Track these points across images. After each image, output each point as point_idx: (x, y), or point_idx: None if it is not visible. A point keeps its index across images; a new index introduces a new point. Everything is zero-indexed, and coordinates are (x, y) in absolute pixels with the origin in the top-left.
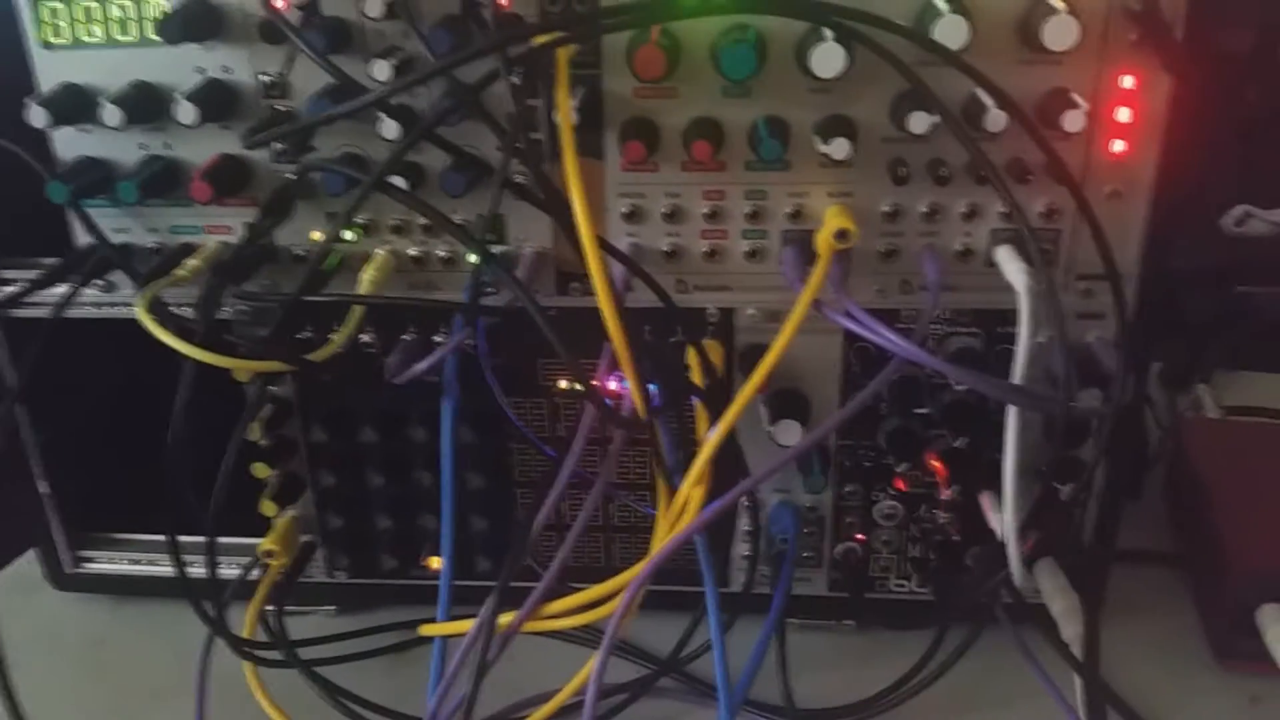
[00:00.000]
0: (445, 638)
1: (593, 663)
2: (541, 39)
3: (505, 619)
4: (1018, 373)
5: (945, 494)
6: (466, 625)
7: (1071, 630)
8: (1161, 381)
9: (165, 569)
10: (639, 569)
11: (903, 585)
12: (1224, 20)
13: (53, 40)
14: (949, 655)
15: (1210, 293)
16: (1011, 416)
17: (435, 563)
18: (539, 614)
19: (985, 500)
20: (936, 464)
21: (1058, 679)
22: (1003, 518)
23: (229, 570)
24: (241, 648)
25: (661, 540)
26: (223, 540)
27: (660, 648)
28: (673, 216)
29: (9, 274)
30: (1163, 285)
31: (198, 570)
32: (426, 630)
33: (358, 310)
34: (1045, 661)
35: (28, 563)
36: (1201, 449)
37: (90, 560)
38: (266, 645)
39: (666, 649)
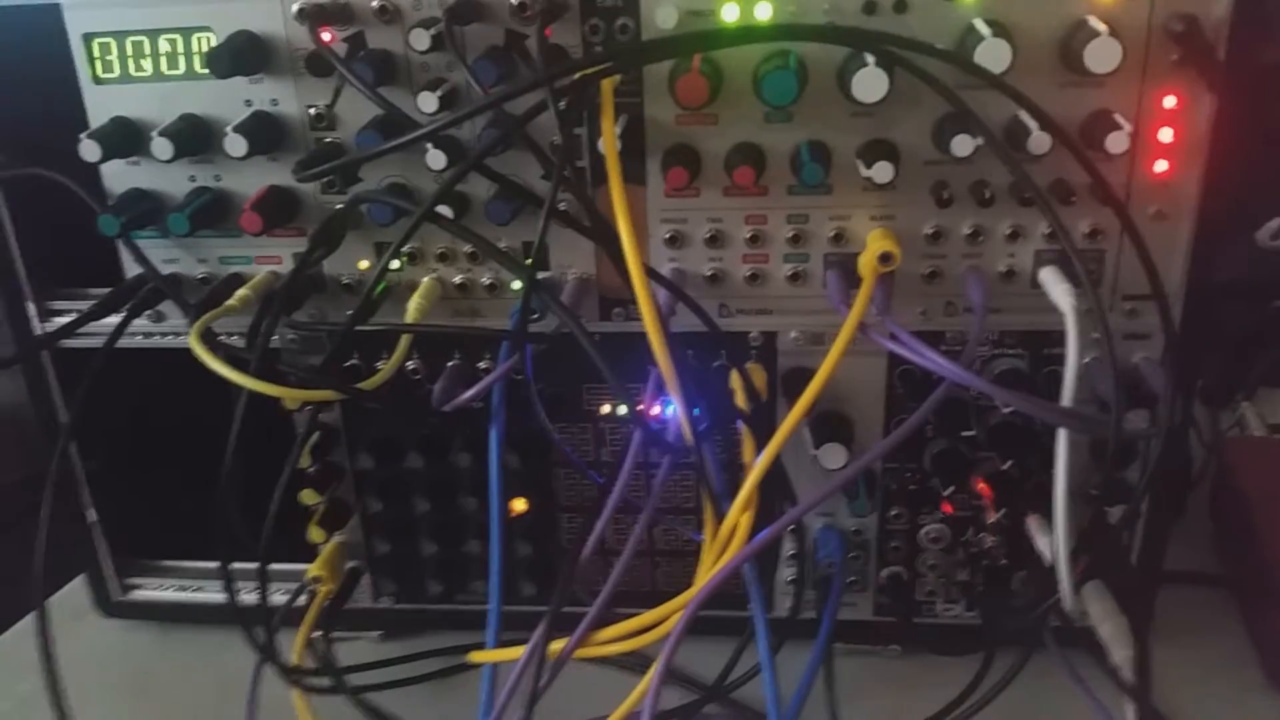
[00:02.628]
0: (495, 665)
1: (645, 688)
2: (587, 71)
3: (555, 646)
4: (1066, 395)
5: (992, 517)
6: (517, 652)
7: (1121, 654)
8: (1203, 399)
9: (212, 596)
10: (691, 595)
11: (950, 609)
12: (1267, 37)
13: (103, 75)
14: (998, 680)
15: (1248, 307)
16: (1061, 439)
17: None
18: (590, 640)
19: (1032, 523)
20: (983, 487)
21: (1108, 704)
22: (1052, 541)
23: (276, 596)
24: (291, 675)
25: (709, 566)
26: (271, 567)
27: (701, 673)
28: (715, 241)
29: (60, 305)
30: (1203, 301)
31: (246, 597)
32: (476, 657)
33: (405, 338)
34: (1095, 686)
35: (76, 589)
36: (1247, 468)
37: (138, 587)
38: (315, 672)
39: (707, 674)
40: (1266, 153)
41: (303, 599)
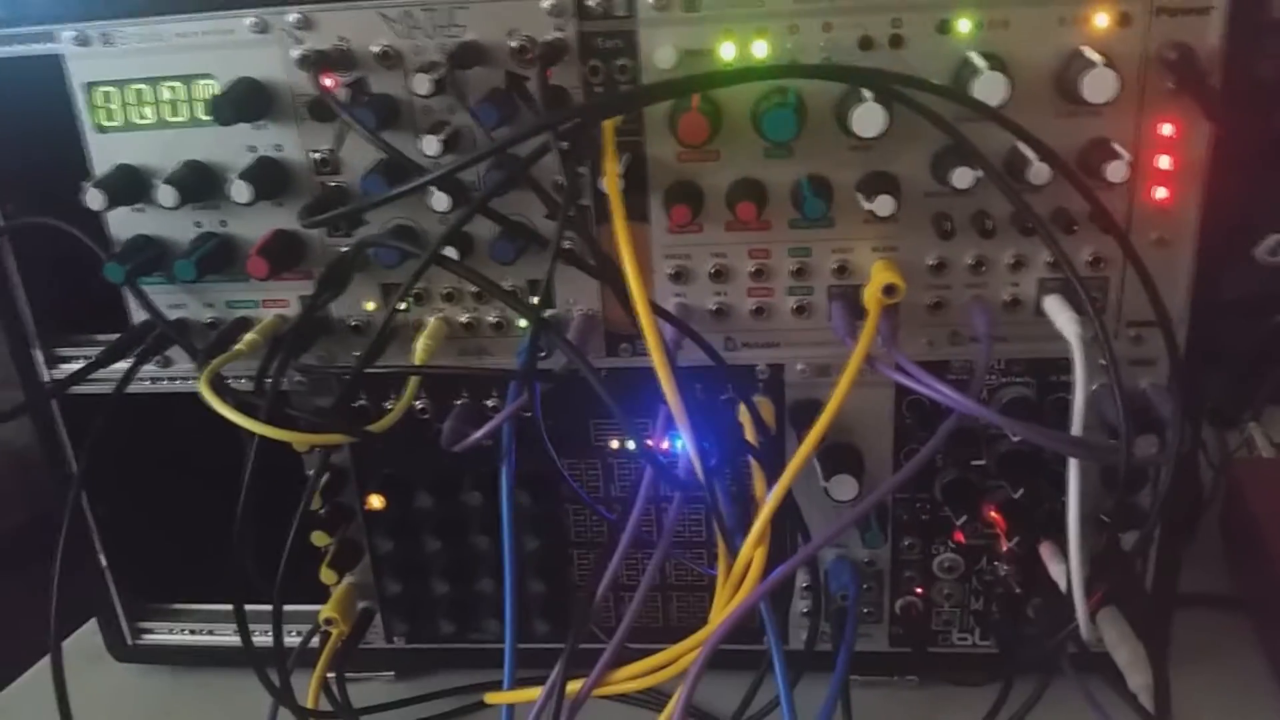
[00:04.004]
0: (511, 706)
1: None
2: (588, 114)
3: (572, 685)
4: (1075, 423)
5: (1005, 546)
6: (533, 694)
7: (1139, 680)
8: (1211, 420)
9: (225, 639)
10: (707, 634)
11: (965, 639)
12: (1260, 64)
13: (106, 124)
14: (1016, 709)
15: (1250, 325)
16: (1072, 467)
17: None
18: (608, 679)
19: (1046, 550)
20: (995, 515)
21: None
22: (1067, 568)
23: (289, 638)
24: (306, 717)
25: (723, 601)
26: (283, 608)
27: (716, 706)
28: (719, 276)
29: (67, 352)
30: (1208, 324)
31: (259, 639)
32: (493, 699)
33: (414, 379)
34: (1114, 712)
35: (88, 633)
36: (1257, 489)
37: (150, 631)
38: (330, 714)
39: (723, 708)
40: (1263, 173)
41: (315, 640)
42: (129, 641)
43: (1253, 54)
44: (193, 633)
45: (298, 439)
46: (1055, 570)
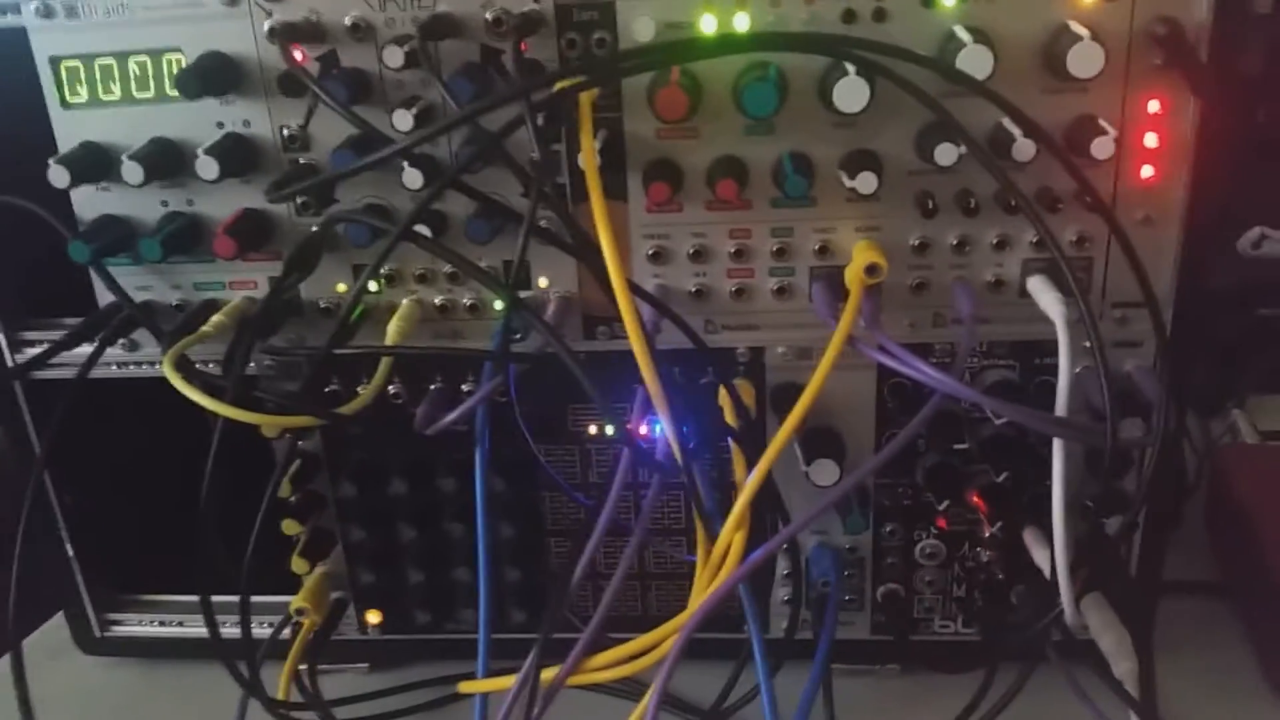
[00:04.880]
0: (486, 695)
1: (641, 715)
2: (563, 84)
3: (547, 674)
4: (1060, 404)
5: (988, 531)
6: (507, 682)
7: (1124, 666)
8: (1195, 408)
9: (195, 630)
10: (685, 619)
11: (948, 626)
12: (1248, 41)
13: (71, 99)
14: (1000, 697)
15: (1232, 317)
16: (1057, 450)
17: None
18: (582, 667)
19: (1029, 536)
20: (978, 500)
21: (1112, 716)
22: (1052, 554)
23: (260, 629)
24: (277, 710)
25: (703, 587)
26: (253, 599)
27: (696, 696)
28: (699, 256)
29: (32, 335)
30: (1193, 307)
31: (229, 630)
32: (466, 688)
33: (385, 361)
34: (1098, 699)
35: (56, 627)
36: (1242, 476)
37: (118, 623)
38: (301, 706)
39: (702, 697)
40: (1246, 166)
41: (287, 632)
42: (97, 634)
43: (1241, 30)
44: (163, 624)
45: (262, 421)
46: (1039, 556)
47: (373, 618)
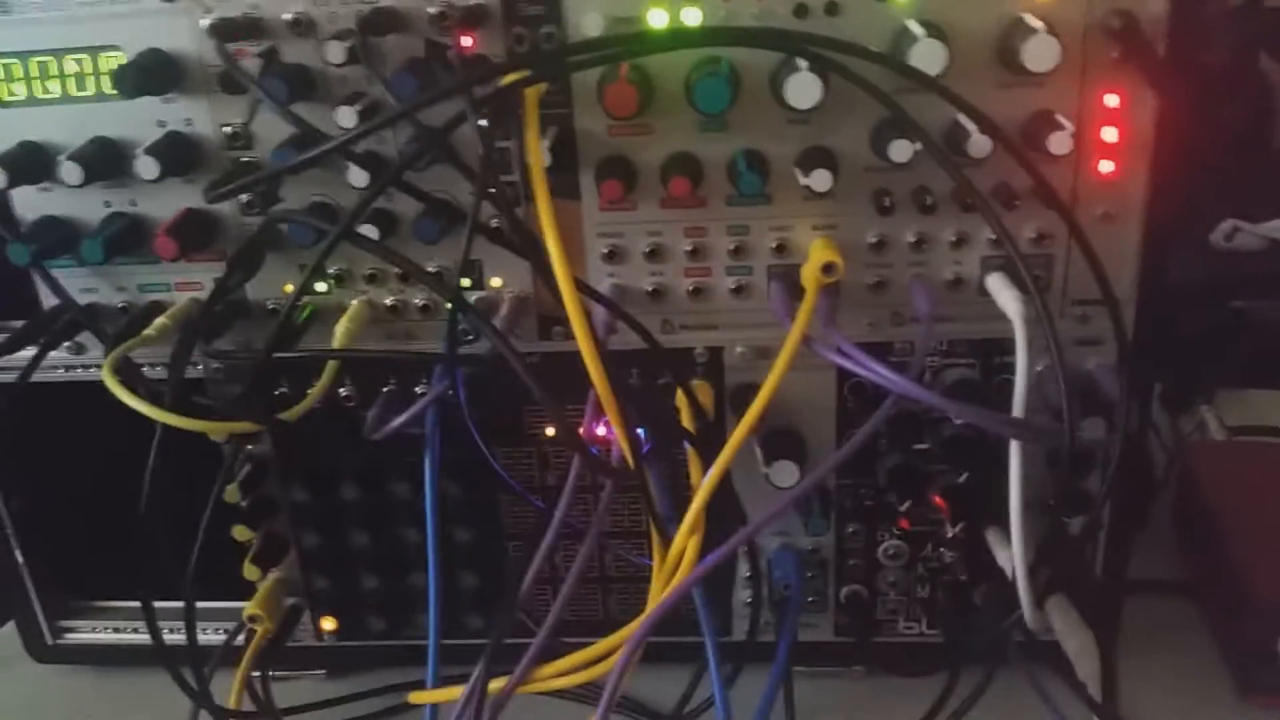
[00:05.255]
0: (437, 705)
1: None
2: (508, 78)
3: (499, 683)
4: (1018, 404)
5: (950, 532)
6: (457, 692)
7: (1087, 668)
8: (1163, 404)
9: (149, 638)
10: (635, 626)
11: (912, 628)
12: (1205, 34)
13: (8, 98)
14: (963, 699)
15: (1204, 309)
16: (1014, 451)
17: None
18: (534, 675)
19: (992, 536)
20: (939, 501)
21: (1077, 719)
22: (1012, 555)
23: (214, 636)
24: (226, 718)
25: (659, 592)
26: (207, 605)
27: (662, 702)
28: (654, 255)
29: None
30: (1157, 304)
31: (180, 638)
32: (415, 698)
33: (332, 364)
34: (1062, 701)
35: (6, 635)
36: (1210, 474)
37: (71, 630)
38: (253, 715)
39: (668, 703)
40: (1216, 160)
41: (240, 639)
42: (49, 641)
43: (1198, 23)
44: (116, 631)
45: (202, 427)
46: (1002, 557)
47: (328, 624)
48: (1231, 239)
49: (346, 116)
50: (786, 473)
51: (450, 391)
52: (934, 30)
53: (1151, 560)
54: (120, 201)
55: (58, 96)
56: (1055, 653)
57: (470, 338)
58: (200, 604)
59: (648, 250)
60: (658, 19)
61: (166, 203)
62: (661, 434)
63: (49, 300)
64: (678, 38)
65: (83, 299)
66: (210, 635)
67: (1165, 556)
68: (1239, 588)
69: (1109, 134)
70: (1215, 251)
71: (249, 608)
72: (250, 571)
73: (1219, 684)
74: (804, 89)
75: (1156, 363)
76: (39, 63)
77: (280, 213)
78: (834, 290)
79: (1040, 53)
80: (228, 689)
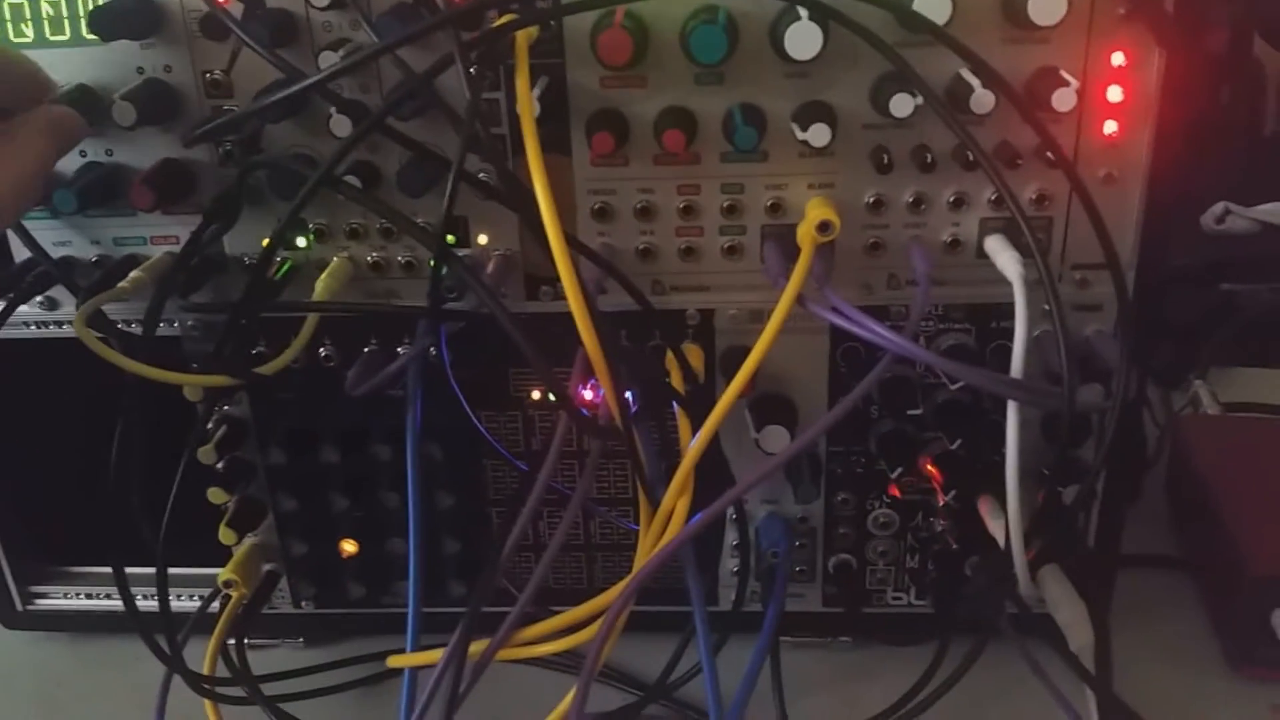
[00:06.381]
0: (416, 669)
1: (574, 693)
2: (499, 20)
3: (479, 645)
4: (1016, 368)
5: (942, 500)
6: (436, 655)
7: (1081, 640)
8: (1156, 379)
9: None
10: (619, 589)
11: (901, 598)
12: (1206, 10)
13: None
14: (953, 670)
15: (1195, 291)
16: (1011, 414)
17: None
18: (515, 641)
19: (984, 506)
20: (931, 469)
21: (1068, 691)
22: (1005, 524)
23: (189, 602)
24: (201, 684)
25: (644, 555)
26: (182, 571)
27: (648, 672)
28: (645, 214)
29: None
30: (1155, 271)
31: (151, 603)
32: (394, 662)
33: (310, 320)
34: (1054, 673)
35: None
36: (1202, 448)
37: (43, 596)
38: (227, 681)
39: (654, 673)
40: (1209, 143)
41: (216, 605)
42: (19, 607)
43: None
44: (90, 597)
45: (176, 379)
46: (994, 526)
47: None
48: (1223, 221)
49: (330, 62)
50: (777, 438)
51: (433, 349)
52: None
53: (1144, 535)
54: (95, 150)
55: (32, 40)
56: (1048, 625)
57: (454, 295)
58: (174, 570)
59: (639, 208)
60: None
61: (143, 152)
62: (651, 395)
63: (21, 254)
64: None
65: (56, 252)
66: (185, 601)
67: (1158, 531)
68: (1231, 561)
69: (1114, 93)
70: (1206, 234)
71: (224, 573)
72: (226, 535)
73: (1210, 657)
74: (804, 39)
75: (1152, 333)
76: (12, 5)
77: (258, 159)
78: (829, 250)
79: (1047, 6)
80: (203, 656)
